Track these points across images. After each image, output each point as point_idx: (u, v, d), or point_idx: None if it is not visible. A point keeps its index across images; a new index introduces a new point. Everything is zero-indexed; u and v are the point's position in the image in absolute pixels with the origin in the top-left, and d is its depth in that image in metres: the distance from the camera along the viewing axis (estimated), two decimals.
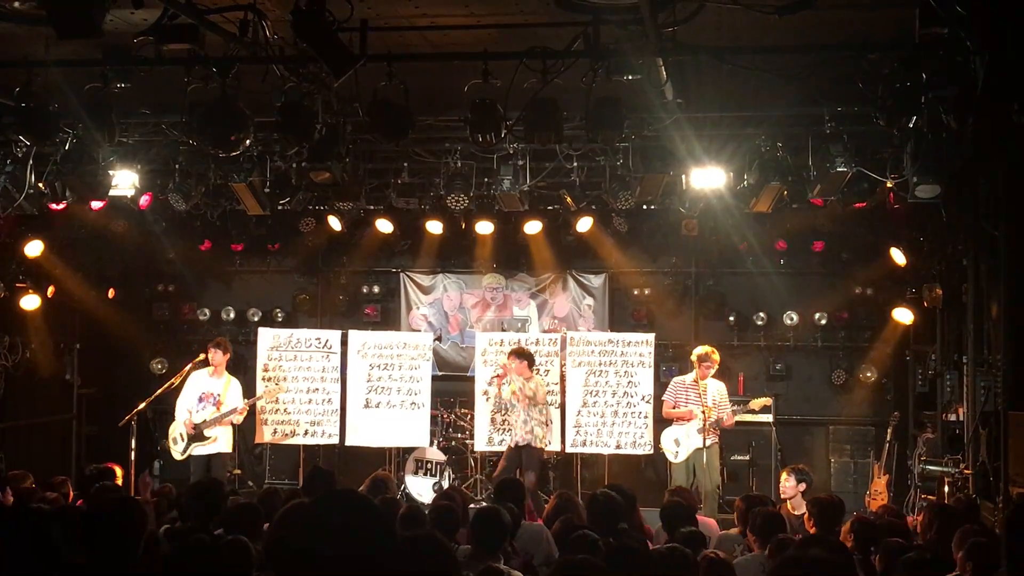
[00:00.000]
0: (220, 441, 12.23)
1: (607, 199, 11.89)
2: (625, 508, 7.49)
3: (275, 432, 13.61)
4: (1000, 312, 10.41)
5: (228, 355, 12.55)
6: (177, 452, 12.18)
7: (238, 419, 12.41)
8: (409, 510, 7.40)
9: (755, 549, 7.18)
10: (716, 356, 12.23)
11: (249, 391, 13.12)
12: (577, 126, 9.71)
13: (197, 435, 12.10)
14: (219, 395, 12.24)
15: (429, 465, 13.15)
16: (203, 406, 12.22)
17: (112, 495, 6.36)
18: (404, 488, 12.73)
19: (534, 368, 12.49)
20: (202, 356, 12.40)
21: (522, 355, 12.35)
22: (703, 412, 11.84)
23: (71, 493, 9.17)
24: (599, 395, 13.21)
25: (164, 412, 12.77)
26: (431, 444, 13.44)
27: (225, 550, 5.42)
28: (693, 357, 12.31)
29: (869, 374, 14.35)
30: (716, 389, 12.24)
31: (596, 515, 7.27)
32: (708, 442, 11.89)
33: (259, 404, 13.37)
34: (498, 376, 12.49)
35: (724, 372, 13.56)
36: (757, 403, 12.48)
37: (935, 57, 7.97)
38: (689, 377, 12.30)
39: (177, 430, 12.23)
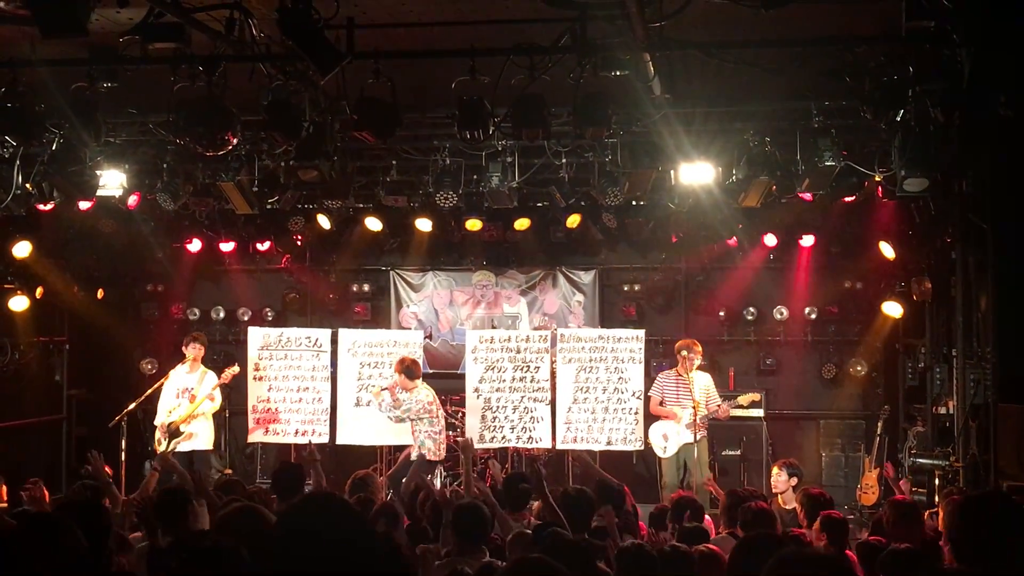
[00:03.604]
0: (199, 437, 12.24)
1: (596, 195, 11.89)
2: (589, 504, 7.45)
3: (266, 431, 13.60)
4: (989, 305, 10.44)
5: (204, 349, 12.70)
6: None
7: (208, 405, 12.38)
8: (384, 507, 7.34)
9: None
10: (698, 348, 12.25)
11: (239, 390, 13.12)
12: (565, 122, 9.71)
13: (173, 432, 12.12)
14: (193, 389, 12.30)
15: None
16: (179, 403, 12.27)
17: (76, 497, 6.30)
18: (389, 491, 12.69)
19: (414, 380, 12.14)
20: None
21: (402, 368, 12.13)
22: (693, 407, 11.88)
23: (47, 496, 9.08)
24: (589, 391, 13.20)
25: (154, 412, 12.74)
26: None
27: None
28: (679, 351, 12.35)
29: (859, 368, 14.38)
30: (702, 380, 12.28)
31: (568, 512, 7.23)
32: (698, 436, 11.94)
33: (251, 401, 13.42)
34: (387, 389, 12.29)
35: (714, 367, 13.60)
36: (746, 398, 12.52)
37: (922, 50, 7.99)
38: (673, 372, 12.35)
39: (159, 434, 12.27)
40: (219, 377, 12.72)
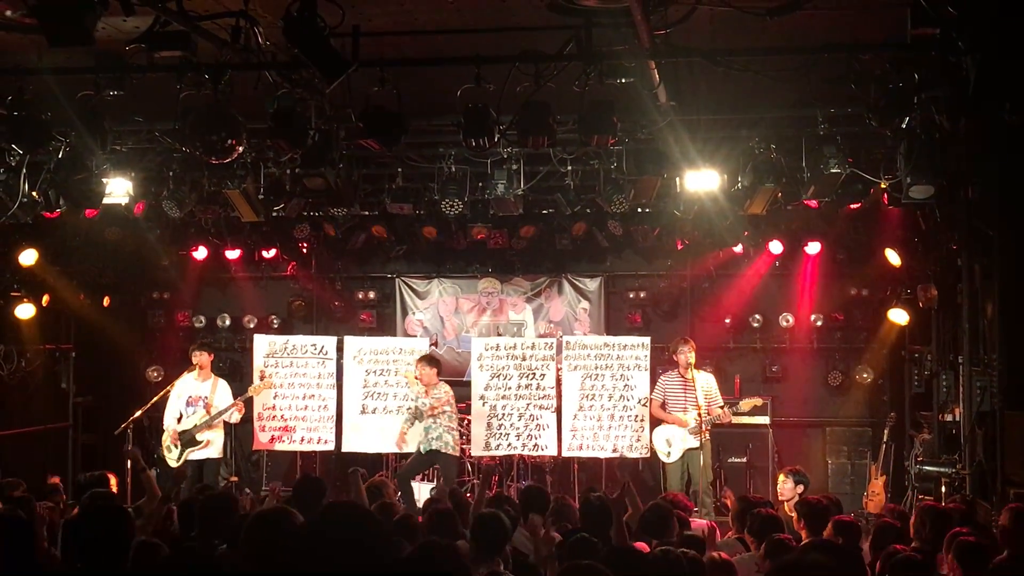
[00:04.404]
0: (213, 446, 12.29)
1: (601, 202, 11.89)
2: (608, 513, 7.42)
3: (271, 439, 13.61)
4: (995, 312, 10.42)
5: (212, 356, 12.80)
6: (172, 460, 12.21)
7: (236, 417, 12.47)
8: (401, 517, 7.36)
9: (752, 549, 7.17)
10: (691, 344, 12.30)
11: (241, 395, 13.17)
12: (570, 130, 9.70)
13: (189, 440, 12.15)
14: (207, 397, 12.34)
15: (427, 471, 13.11)
16: (192, 410, 12.29)
17: (102, 502, 6.33)
18: (399, 494, 12.71)
19: (439, 374, 12.48)
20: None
21: (432, 362, 12.40)
22: (697, 411, 11.89)
23: (63, 500, 9.14)
24: (595, 399, 13.20)
25: (160, 420, 12.76)
26: None
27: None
28: (673, 352, 12.39)
29: (865, 375, 14.34)
30: (705, 381, 12.29)
31: (588, 519, 7.22)
32: (702, 441, 11.94)
33: (257, 408, 13.44)
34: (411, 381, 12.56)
35: (720, 374, 13.57)
36: (747, 403, 12.48)
37: (927, 58, 7.98)
38: (676, 373, 12.36)
39: (167, 440, 12.27)
40: (247, 389, 12.84)
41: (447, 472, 12.23)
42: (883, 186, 10.44)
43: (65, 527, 5.36)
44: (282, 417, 13.62)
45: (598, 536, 6.71)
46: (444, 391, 12.30)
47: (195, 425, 12.21)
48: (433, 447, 12.12)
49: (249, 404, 13.32)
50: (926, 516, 7.23)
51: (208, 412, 12.25)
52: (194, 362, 12.52)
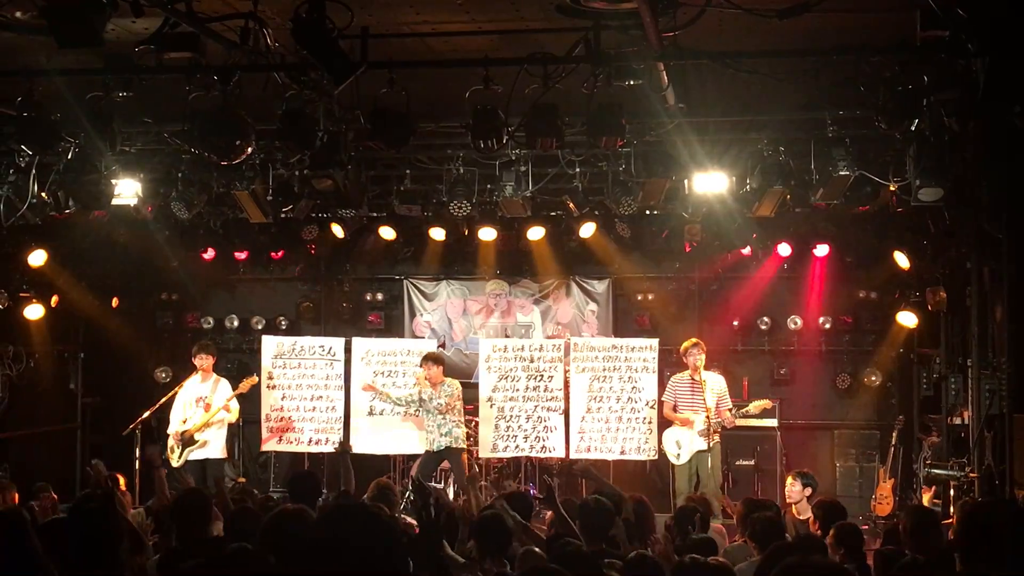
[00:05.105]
0: (212, 446, 12.29)
1: (610, 204, 11.89)
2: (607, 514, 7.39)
3: (280, 440, 13.62)
4: (1004, 315, 10.39)
5: (215, 358, 12.83)
6: (174, 460, 12.24)
7: (230, 416, 12.44)
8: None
9: (755, 555, 7.14)
10: (701, 346, 12.33)
11: (252, 399, 13.13)
12: (579, 131, 9.70)
13: (188, 440, 12.17)
14: (207, 397, 12.35)
15: (434, 472, 13.12)
16: (195, 411, 12.32)
17: (89, 501, 6.28)
18: (408, 495, 12.72)
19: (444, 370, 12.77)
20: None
21: (438, 360, 12.67)
22: (706, 415, 11.88)
23: (53, 499, 9.15)
24: (603, 401, 13.19)
25: (168, 421, 12.78)
26: None
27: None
28: (684, 354, 12.38)
29: (874, 378, 14.31)
30: (715, 382, 12.29)
31: (585, 522, 7.20)
32: (711, 444, 11.93)
33: (265, 409, 13.48)
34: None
35: (728, 377, 13.54)
36: (756, 406, 12.45)
37: (936, 60, 7.97)
38: (686, 374, 12.35)
39: (171, 441, 12.31)
40: (237, 386, 12.71)
41: (459, 468, 12.26)
42: (892, 188, 10.42)
43: (43, 527, 5.32)
44: (290, 418, 13.64)
45: (594, 538, 6.69)
46: (455, 387, 12.51)
47: (194, 425, 12.24)
48: (445, 443, 12.28)
49: (256, 405, 13.34)
50: (911, 517, 7.15)
51: (207, 412, 12.27)
52: (196, 364, 12.52)
